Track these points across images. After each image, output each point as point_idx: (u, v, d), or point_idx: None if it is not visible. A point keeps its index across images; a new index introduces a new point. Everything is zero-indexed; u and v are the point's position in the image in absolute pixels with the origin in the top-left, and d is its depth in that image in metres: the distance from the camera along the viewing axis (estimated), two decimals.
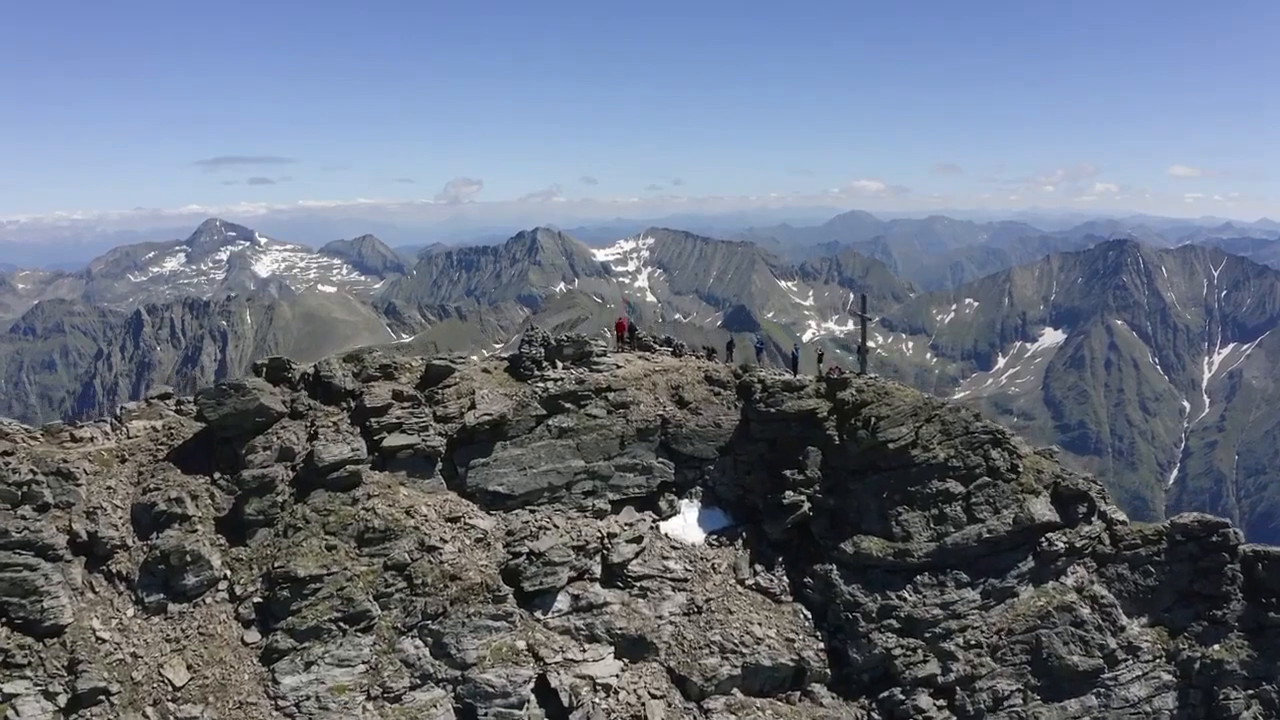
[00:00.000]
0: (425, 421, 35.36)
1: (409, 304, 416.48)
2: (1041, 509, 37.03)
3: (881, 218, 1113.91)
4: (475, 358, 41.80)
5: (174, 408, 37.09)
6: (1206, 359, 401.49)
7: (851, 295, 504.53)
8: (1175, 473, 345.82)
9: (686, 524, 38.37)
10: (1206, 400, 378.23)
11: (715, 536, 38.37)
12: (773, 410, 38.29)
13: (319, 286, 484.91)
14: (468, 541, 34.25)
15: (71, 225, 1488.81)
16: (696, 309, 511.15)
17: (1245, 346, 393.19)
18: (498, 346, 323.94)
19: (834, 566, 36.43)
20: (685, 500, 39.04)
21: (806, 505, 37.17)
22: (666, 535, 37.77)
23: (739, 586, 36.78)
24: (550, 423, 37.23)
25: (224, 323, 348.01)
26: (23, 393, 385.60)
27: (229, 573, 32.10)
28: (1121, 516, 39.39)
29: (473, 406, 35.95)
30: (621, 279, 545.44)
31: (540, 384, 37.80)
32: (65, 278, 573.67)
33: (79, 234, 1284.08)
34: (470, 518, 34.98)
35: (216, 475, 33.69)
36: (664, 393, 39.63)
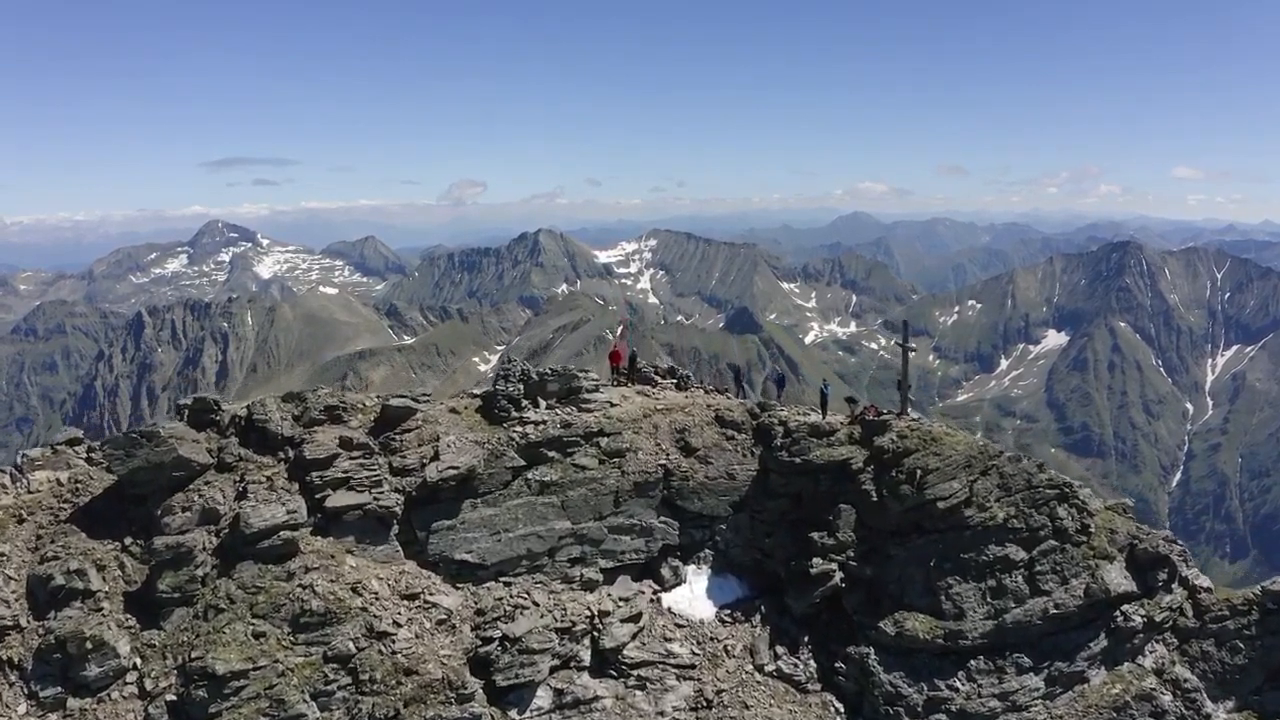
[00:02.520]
0: (378, 475, 29.69)
1: (410, 305, 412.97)
2: (1117, 577, 31.63)
3: (883, 219, 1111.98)
4: (442, 401, 35.69)
5: (84, 456, 31.20)
6: (1210, 361, 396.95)
7: (854, 297, 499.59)
8: (1178, 475, 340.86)
9: (694, 596, 32.74)
10: (1210, 402, 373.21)
11: (728, 611, 32.74)
12: (797, 460, 32.47)
13: (321, 288, 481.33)
14: (427, 624, 28.31)
15: (74, 226, 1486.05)
16: (698, 310, 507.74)
17: (1249, 349, 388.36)
18: (499, 348, 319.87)
19: (871, 650, 30.62)
20: (692, 567, 33.47)
21: (838, 575, 31.31)
22: (670, 610, 32.15)
23: (757, 674, 30.89)
24: (530, 476, 31.68)
25: (225, 324, 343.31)
26: (24, 394, 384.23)
27: (139, 662, 26.46)
28: (1205, 582, 33.69)
29: (436, 457, 30.24)
30: (623, 280, 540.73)
31: (518, 428, 32.32)
32: (67, 279, 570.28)
33: (81, 235, 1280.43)
34: (431, 594, 29.12)
35: (129, 540, 28.11)
36: (667, 437, 34.20)
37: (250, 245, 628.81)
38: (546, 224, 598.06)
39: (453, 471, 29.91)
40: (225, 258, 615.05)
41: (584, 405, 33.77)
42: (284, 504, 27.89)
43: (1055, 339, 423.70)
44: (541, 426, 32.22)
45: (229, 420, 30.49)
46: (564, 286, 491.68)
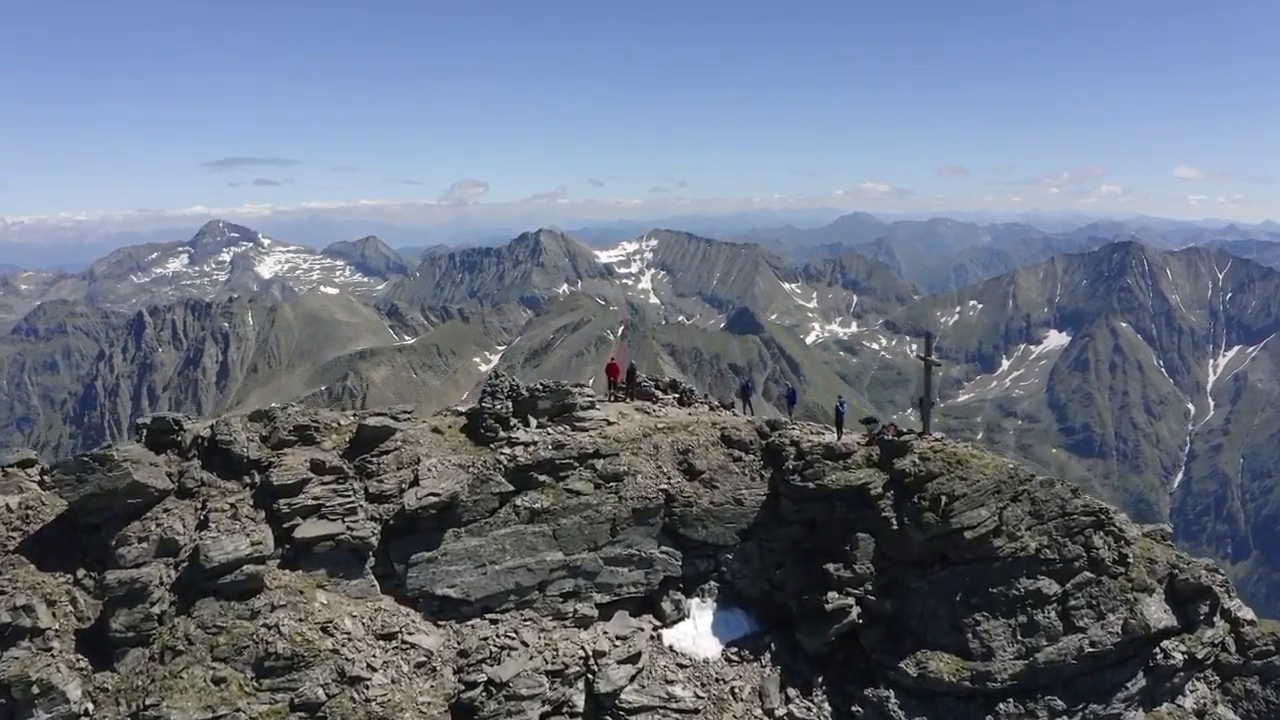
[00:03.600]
0: (353, 502, 27.19)
1: (411, 305, 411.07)
2: (1156, 611, 29.11)
3: (884, 219, 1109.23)
4: (425, 418, 32.77)
5: (37, 479, 28.66)
6: (1211, 361, 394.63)
7: (855, 297, 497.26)
8: (1180, 476, 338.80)
9: (698, 632, 30.02)
10: (1211, 403, 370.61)
11: (735, 649, 30.03)
12: (811, 484, 29.84)
13: (321, 288, 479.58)
14: (405, 667, 25.74)
15: (75, 226, 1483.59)
16: (700, 311, 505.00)
17: (1250, 349, 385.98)
18: (500, 348, 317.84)
19: (891, 692, 27.97)
20: (696, 600, 30.79)
21: (855, 610, 28.64)
22: (671, 649, 29.45)
23: (766, 719, 28.21)
24: (519, 502, 29.01)
25: (226, 324, 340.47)
26: (25, 394, 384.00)
27: (90, 708, 23.95)
28: (1249, 614, 31.19)
29: (415, 482, 27.62)
30: (624, 280, 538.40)
31: (506, 450, 29.71)
32: (68, 279, 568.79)
33: (82, 235, 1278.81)
34: (410, 633, 26.51)
35: (81, 573, 25.66)
36: (669, 459, 31.57)
37: (251, 245, 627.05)
38: (547, 224, 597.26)
39: (433, 499, 27.27)
40: (226, 258, 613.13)
41: (578, 424, 31.26)
42: (248, 534, 25.45)
43: (1056, 339, 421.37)
44: (531, 448, 29.69)
45: (191, 441, 27.96)
46: (565, 287, 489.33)
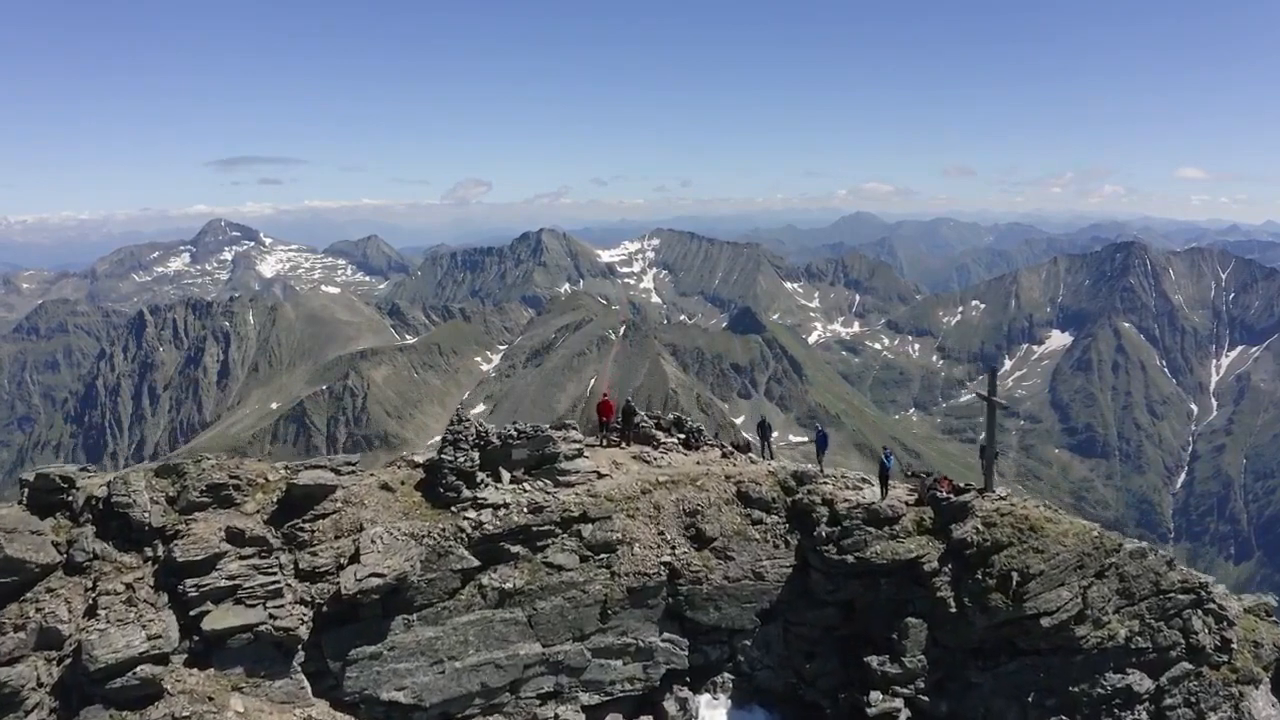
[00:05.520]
0: (278, 583, 22.26)
1: (413, 305, 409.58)
2: (1264, 707, 24.58)
3: (887, 219, 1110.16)
4: (373, 473, 26.93)
5: None
6: (1214, 362, 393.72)
7: (858, 297, 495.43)
8: (1183, 476, 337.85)
9: None
10: (1214, 403, 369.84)
11: None
12: (850, 558, 24.74)
13: (323, 287, 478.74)
14: None
15: (78, 225, 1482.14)
16: (701, 310, 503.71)
17: (1253, 349, 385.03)
18: (502, 347, 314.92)
19: None
20: (706, 697, 25.66)
21: (904, 714, 23.44)
22: None
23: None
24: (486, 581, 23.89)
25: (227, 323, 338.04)
26: (26, 393, 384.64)
27: None
28: None
29: (356, 557, 22.41)
30: (626, 280, 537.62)
31: (471, 514, 24.52)
32: (70, 278, 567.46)
33: (85, 234, 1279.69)
34: None
35: None
36: (673, 522, 26.41)
37: (253, 244, 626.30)
38: (550, 223, 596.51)
39: (376, 580, 22.01)
40: (228, 256, 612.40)
41: (561, 478, 25.89)
42: (144, 626, 20.62)
43: (1059, 339, 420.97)
44: (502, 511, 24.56)
45: (84, 503, 22.82)
46: (566, 286, 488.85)
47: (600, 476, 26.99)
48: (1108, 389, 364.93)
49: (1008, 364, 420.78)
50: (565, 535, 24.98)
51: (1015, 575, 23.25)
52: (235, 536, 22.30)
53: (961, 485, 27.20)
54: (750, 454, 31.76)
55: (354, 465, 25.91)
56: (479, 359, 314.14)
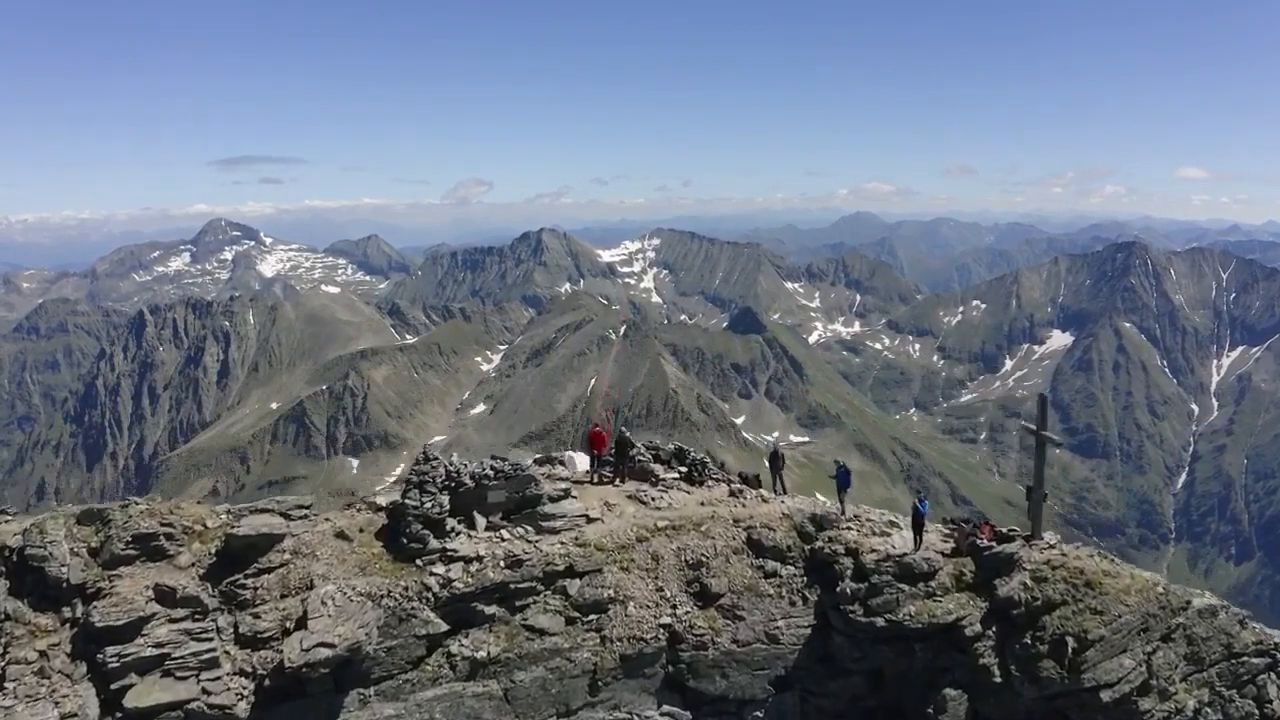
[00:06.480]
0: (213, 651, 19.63)
1: (413, 305, 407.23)
2: None
3: (887, 219, 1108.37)
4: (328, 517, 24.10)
5: None
6: (1215, 362, 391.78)
7: (858, 297, 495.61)
8: (1184, 477, 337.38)
9: None
10: (1215, 404, 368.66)
11: None
12: (879, 621, 22.14)
13: (323, 287, 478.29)
14: None
15: (79, 225, 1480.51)
16: (702, 310, 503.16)
17: (1254, 350, 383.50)
18: (502, 347, 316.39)
19: None
20: None
21: None
22: None
23: None
24: (455, 649, 21.12)
25: (227, 323, 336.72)
26: (26, 393, 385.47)
27: None
28: None
29: (303, 623, 19.85)
30: (627, 280, 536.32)
31: (439, 569, 21.66)
32: (70, 277, 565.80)
33: (85, 233, 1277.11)
34: None
35: None
36: (674, 576, 23.61)
37: (253, 244, 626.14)
38: (550, 223, 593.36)
39: (325, 652, 19.04)
40: (228, 256, 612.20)
41: (545, 524, 22.92)
42: (58, 703, 18.33)
43: (1060, 339, 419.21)
44: (475, 566, 21.57)
45: None
46: (567, 286, 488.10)
47: (590, 521, 23.93)
48: (1108, 389, 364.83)
49: (1008, 364, 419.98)
50: (549, 593, 22.08)
51: (1071, 641, 20.88)
52: (165, 596, 19.69)
53: (1004, 531, 24.64)
54: (759, 491, 28.18)
55: (306, 510, 23.11)
56: (479, 359, 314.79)
